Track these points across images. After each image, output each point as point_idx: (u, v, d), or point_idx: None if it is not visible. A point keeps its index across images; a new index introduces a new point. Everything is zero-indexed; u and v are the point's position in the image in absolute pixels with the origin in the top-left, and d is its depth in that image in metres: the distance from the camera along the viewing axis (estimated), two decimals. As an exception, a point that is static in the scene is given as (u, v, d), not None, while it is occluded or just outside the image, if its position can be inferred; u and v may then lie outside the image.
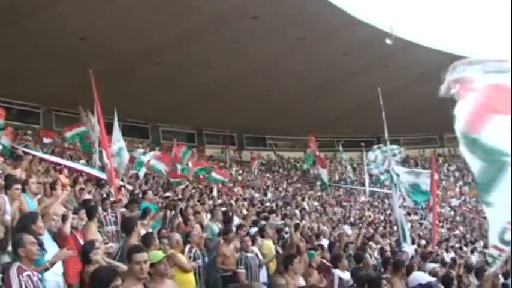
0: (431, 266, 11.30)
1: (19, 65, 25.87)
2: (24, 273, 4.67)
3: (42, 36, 24.26)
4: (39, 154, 15.78)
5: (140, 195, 13.29)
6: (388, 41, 31.09)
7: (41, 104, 32.04)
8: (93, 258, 6.30)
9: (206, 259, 9.42)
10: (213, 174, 22.87)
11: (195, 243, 9.06)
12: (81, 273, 6.36)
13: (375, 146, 29.26)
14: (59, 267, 6.41)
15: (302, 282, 8.07)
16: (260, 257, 9.37)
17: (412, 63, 34.08)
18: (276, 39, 28.85)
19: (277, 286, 5.92)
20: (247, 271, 9.12)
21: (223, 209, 14.41)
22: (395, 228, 22.70)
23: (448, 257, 16.89)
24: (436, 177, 15.35)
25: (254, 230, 11.99)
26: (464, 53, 35.09)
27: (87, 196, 11.07)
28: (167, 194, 15.98)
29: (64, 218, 7.33)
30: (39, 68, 26.41)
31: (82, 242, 7.06)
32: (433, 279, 5.94)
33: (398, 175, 12.14)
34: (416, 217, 29.51)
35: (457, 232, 26.73)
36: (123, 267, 5.95)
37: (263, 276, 9.49)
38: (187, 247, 8.71)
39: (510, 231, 5.29)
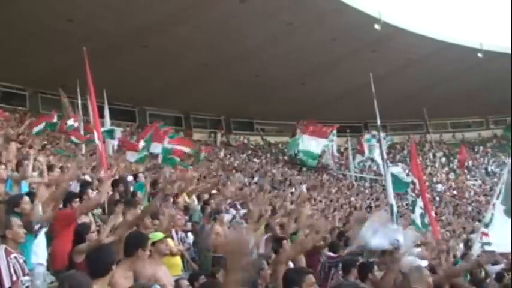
0: (417, 249, 11.42)
1: (5, 47, 25.55)
2: (12, 255, 4.70)
3: (29, 17, 23.99)
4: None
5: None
6: (376, 26, 31.11)
7: (27, 86, 31.71)
8: (87, 240, 6.32)
9: (191, 242, 9.48)
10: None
11: (178, 226, 9.10)
12: (69, 254, 6.22)
13: (370, 133, 29.30)
14: (43, 253, 6.41)
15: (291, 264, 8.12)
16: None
17: (399, 49, 34.15)
18: (264, 23, 28.74)
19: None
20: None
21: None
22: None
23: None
24: (419, 162, 15.40)
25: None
26: (451, 40, 35.55)
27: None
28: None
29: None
30: (26, 50, 26.14)
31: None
32: (425, 262, 6.06)
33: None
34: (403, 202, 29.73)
35: (442, 218, 26.98)
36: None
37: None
38: (173, 230, 8.74)
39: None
